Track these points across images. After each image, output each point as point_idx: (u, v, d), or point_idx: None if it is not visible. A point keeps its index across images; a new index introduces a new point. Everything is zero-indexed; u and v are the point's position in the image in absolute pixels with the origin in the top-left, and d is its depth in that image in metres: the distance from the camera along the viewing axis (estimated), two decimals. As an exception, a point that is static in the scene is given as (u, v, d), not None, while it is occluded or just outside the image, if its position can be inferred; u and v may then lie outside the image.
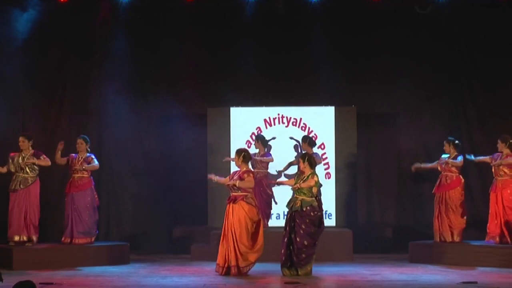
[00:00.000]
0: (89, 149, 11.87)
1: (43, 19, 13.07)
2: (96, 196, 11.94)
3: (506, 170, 11.57)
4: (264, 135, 12.78)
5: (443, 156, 11.96)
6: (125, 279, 10.17)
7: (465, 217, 11.84)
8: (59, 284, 9.40)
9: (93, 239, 11.88)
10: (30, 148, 11.59)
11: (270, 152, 12.70)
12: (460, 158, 11.83)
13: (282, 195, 12.12)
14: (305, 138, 12.38)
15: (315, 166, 10.61)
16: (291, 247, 10.30)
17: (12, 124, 11.80)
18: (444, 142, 11.96)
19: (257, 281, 9.91)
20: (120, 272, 10.89)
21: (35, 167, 11.56)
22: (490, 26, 13.27)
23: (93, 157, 11.87)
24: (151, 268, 11.35)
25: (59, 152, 11.71)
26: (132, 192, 13.83)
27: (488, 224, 11.68)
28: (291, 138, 12.70)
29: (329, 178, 13.14)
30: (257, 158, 12.41)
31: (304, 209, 10.25)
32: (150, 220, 13.79)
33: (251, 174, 10.49)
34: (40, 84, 13.42)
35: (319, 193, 10.59)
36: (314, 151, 12.26)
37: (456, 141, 11.96)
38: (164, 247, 13.50)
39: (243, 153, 10.55)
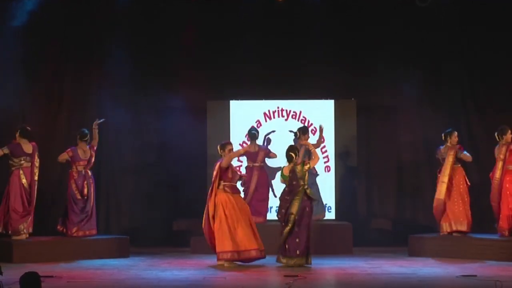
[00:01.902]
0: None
1: (41, 15, 13.04)
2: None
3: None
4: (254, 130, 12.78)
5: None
6: (125, 272, 10.19)
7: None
8: (59, 277, 9.42)
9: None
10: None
11: (263, 145, 12.68)
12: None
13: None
14: (299, 129, 12.34)
15: (291, 161, 10.73)
16: (296, 240, 10.46)
17: (13, 121, 11.85)
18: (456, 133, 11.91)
19: (256, 274, 9.92)
20: (120, 265, 10.90)
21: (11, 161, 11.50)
22: (490, 18, 13.24)
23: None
24: (151, 261, 11.37)
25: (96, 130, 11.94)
26: (131, 185, 13.81)
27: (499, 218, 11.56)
28: (291, 131, 12.68)
29: (328, 171, 13.15)
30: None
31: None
32: (149, 213, 13.78)
33: None
34: (40, 82, 13.37)
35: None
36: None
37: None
38: (164, 240, 13.48)
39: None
